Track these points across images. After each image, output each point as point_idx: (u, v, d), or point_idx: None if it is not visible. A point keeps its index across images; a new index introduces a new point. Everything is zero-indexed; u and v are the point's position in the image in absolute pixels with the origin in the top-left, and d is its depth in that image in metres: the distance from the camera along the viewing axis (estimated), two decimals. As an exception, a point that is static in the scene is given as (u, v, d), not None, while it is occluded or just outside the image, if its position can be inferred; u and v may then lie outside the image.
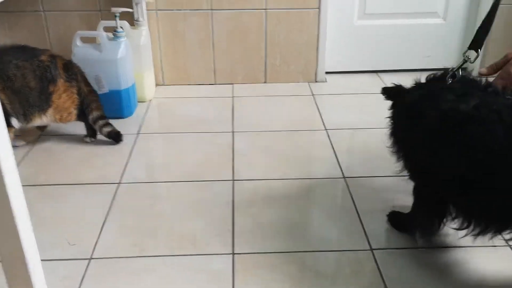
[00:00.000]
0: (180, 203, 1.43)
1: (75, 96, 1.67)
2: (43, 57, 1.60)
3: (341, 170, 1.60)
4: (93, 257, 1.22)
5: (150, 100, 2.11)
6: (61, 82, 1.62)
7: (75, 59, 1.80)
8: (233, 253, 1.24)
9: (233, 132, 1.85)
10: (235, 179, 1.55)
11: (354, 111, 2.02)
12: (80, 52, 1.83)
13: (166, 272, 1.18)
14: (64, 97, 1.64)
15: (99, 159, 1.66)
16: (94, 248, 1.25)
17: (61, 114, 1.66)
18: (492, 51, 2.22)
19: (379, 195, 1.48)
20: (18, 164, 1.62)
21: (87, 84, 1.72)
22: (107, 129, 1.72)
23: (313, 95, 2.18)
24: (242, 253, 1.24)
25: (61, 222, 1.34)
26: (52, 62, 1.61)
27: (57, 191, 1.48)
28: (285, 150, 1.73)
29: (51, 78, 1.60)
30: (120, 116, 1.92)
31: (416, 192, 1.24)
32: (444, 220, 1.16)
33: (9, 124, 1.53)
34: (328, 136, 1.82)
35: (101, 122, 1.72)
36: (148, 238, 1.29)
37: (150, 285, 1.14)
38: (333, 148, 1.73)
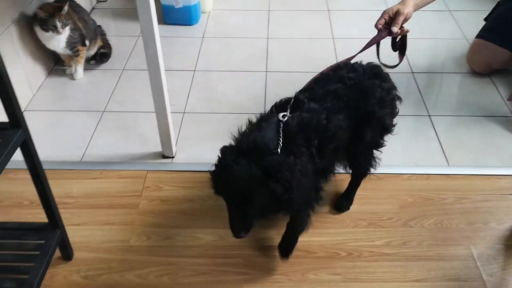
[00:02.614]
0: (233, 85, 2.32)
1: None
2: None
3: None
4: (185, 111, 2.15)
5: (209, 12, 2.92)
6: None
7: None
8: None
9: (267, 38, 2.67)
10: (267, 70, 2.41)
11: (358, 25, 2.78)
12: (164, -21, 2.63)
13: (225, 121, 2.10)
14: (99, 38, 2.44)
15: (178, 55, 2.53)
16: (185, 107, 2.17)
17: (97, 46, 2.43)
18: None
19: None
20: (129, 56, 2.52)
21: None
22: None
23: (328, 10, 2.94)
24: (270, 114, 2.14)
25: (163, 92, 2.25)
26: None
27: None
28: (303, 52, 2.55)
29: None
30: (189, 24, 2.76)
31: None
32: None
33: (84, 44, 2.31)
34: (334, 44, 2.62)
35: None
36: (216, 103, 2.20)
37: (220, 131, 2.05)
38: (335, 53, 2.55)
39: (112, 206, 1.71)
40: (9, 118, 1.17)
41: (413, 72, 2.39)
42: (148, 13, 1.54)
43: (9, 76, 1.13)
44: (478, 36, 2.34)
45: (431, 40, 2.65)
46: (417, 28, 2.71)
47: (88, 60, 2.41)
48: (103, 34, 2.50)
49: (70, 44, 2.22)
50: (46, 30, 2.12)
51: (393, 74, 1.53)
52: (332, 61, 2.46)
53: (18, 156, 1.87)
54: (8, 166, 1.85)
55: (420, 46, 2.59)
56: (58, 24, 2.12)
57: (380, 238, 1.61)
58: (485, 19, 2.38)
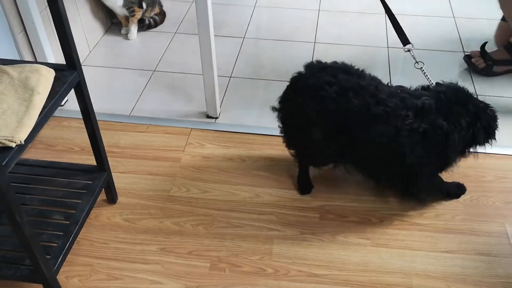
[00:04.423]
0: (281, 54, 2.35)
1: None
2: None
3: (387, 42, 2.41)
4: (232, 76, 2.20)
5: (263, -18, 2.95)
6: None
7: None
8: (309, 83, 2.16)
9: (318, 10, 2.67)
10: (316, 42, 2.42)
11: (413, 2, 2.74)
12: None
13: (270, 88, 2.14)
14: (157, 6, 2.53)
15: (230, 22, 2.58)
16: (232, 72, 2.23)
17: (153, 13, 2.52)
18: None
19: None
20: (181, 21, 2.59)
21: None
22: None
23: (383, -14, 2.89)
24: (314, 84, 2.16)
25: (212, 57, 2.32)
26: None
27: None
28: (353, 26, 2.54)
29: None
30: (243, -8, 2.80)
31: None
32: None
33: (140, 5, 2.39)
34: (385, 19, 2.59)
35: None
36: (262, 70, 2.25)
37: (264, 96, 2.11)
38: (386, 29, 2.52)
39: (156, 158, 1.80)
40: (66, 61, 1.26)
41: (464, 52, 2.34)
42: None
43: (69, 23, 1.22)
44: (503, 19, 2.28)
45: (484, 20, 2.58)
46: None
47: (139, 22, 2.49)
48: (160, 4, 2.58)
49: (127, 3, 2.31)
50: None
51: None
52: (382, 37, 2.46)
53: (72, 105, 2.00)
54: (63, 114, 1.98)
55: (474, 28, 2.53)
56: None
57: (413, 209, 1.62)
58: None
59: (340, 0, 2.76)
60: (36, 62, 1.28)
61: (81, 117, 1.89)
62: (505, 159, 1.80)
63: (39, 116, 1.13)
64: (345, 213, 1.61)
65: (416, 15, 2.63)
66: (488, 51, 2.18)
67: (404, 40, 1.74)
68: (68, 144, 1.86)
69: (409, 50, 1.71)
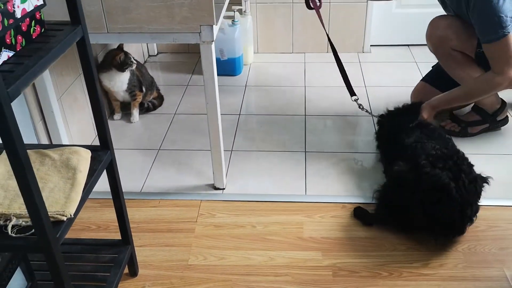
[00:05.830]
0: (275, 127, 2.54)
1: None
2: None
3: (371, 110, 2.63)
4: (233, 149, 2.36)
5: (251, 64, 3.20)
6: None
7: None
8: (305, 151, 2.33)
9: (305, 86, 2.91)
10: (306, 114, 2.63)
11: (387, 74, 3.01)
12: (211, 34, 2.92)
13: (269, 158, 2.30)
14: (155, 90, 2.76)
15: (224, 101, 2.77)
16: (232, 146, 2.39)
17: (152, 97, 2.73)
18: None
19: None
20: (179, 103, 2.78)
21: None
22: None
23: (360, 62, 3.18)
24: (310, 151, 2.33)
25: (211, 133, 2.48)
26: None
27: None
28: (338, 98, 2.77)
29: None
30: (233, 74, 3.03)
31: None
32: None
33: (141, 89, 2.61)
34: (366, 91, 2.84)
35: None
36: (260, 143, 2.42)
37: (264, 166, 2.26)
38: (368, 98, 2.76)
39: (170, 230, 1.90)
40: (100, 142, 1.40)
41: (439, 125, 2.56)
42: (210, 67, 1.83)
43: (105, 108, 1.37)
44: (423, 79, 2.57)
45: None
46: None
47: (140, 105, 2.67)
48: (158, 89, 2.78)
49: (130, 87, 2.50)
50: (125, 69, 2.43)
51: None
52: (364, 106, 2.69)
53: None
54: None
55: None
56: (132, 58, 2.45)
57: (418, 261, 1.74)
58: (433, 66, 2.59)
59: (322, 77, 3.02)
60: (74, 145, 1.41)
61: (94, 197, 2.01)
62: (494, 210, 1.96)
63: (82, 192, 1.25)
64: (356, 269, 1.71)
65: (391, 86, 2.89)
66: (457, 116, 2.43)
67: (351, 92, 2.37)
68: (84, 224, 1.93)
69: (355, 100, 2.36)
